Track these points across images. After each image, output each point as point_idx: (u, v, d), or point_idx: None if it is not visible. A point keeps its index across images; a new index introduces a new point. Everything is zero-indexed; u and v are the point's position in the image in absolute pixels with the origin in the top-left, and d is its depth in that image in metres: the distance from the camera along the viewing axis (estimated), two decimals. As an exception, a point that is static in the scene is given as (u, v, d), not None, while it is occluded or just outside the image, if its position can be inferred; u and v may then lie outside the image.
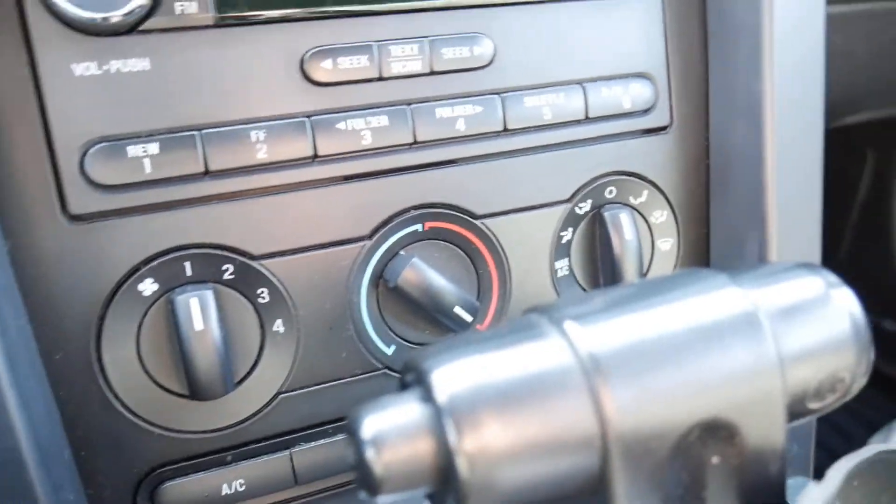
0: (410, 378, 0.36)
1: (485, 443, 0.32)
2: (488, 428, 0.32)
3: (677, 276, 0.40)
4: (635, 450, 0.34)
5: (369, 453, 0.32)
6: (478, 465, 0.32)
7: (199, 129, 0.55)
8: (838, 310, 0.39)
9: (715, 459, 0.36)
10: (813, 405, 0.39)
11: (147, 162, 0.53)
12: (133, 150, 0.53)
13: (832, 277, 0.41)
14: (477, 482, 0.32)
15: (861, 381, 0.40)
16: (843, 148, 1.48)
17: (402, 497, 0.34)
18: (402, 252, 0.63)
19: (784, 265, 0.42)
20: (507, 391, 0.33)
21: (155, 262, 0.55)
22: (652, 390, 0.34)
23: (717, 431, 0.36)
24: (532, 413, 0.33)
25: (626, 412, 0.34)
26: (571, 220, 0.69)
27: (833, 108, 0.79)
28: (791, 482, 0.71)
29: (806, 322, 0.38)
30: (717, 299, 0.37)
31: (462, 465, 0.32)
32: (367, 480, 0.33)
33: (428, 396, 0.33)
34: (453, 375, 0.33)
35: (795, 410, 0.38)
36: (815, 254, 0.71)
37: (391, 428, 0.33)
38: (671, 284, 0.39)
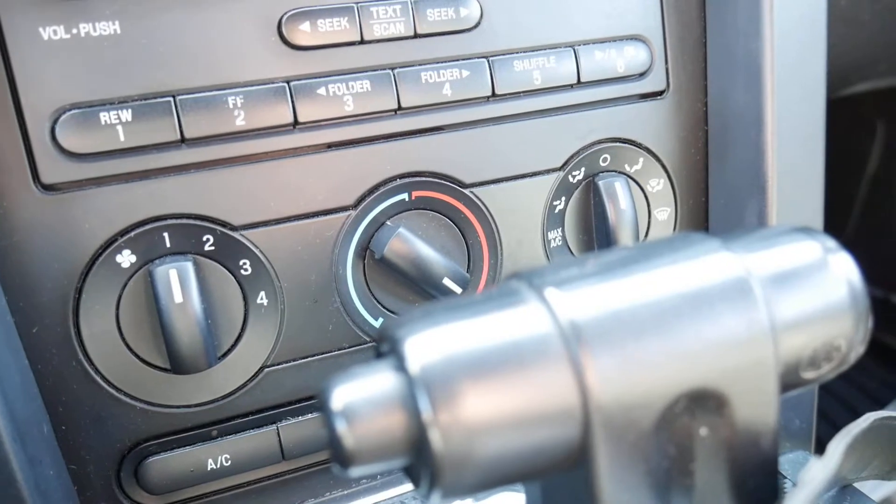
0: (385, 347, 0.34)
1: (459, 414, 0.31)
2: (463, 399, 0.31)
3: (667, 240, 0.38)
4: (618, 421, 0.33)
5: (340, 425, 0.31)
6: (452, 438, 0.31)
7: (174, 95, 0.53)
8: (835, 275, 0.38)
9: (703, 431, 0.35)
10: (807, 374, 0.37)
11: (120, 129, 0.52)
12: (106, 117, 0.51)
13: (830, 242, 0.39)
14: (452, 455, 0.31)
15: (858, 350, 0.39)
16: (851, 119, 1.45)
17: (375, 469, 0.32)
18: (388, 222, 0.61)
19: (780, 229, 0.40)
20: (483, 360, 0.32)
21: (132, 234, 0.54)
22: (636, 359, 0.33)
23: (705, 402, 0.34)
24: (509, 383, 0.32)
25: (609, 382, 0.32)
26: (564, 188, 0.67)
27: (838, 76, 0.76)
28: (791, 456, 0.70)
29: (801, 288, 0.37)
30: (707, 264, 0.36)
31: (436, 438, 0.31)
32: (338, 453, 0.31)
33: (401, 366, 0.32)
34: (427, 344, 0.32)
35: (789, 380, 0.37)
36: (818, 222, 0.69)
37: (362, 399, 0.31)
38: (660, 249, 0.37)
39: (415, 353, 0.32)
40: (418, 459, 0.32)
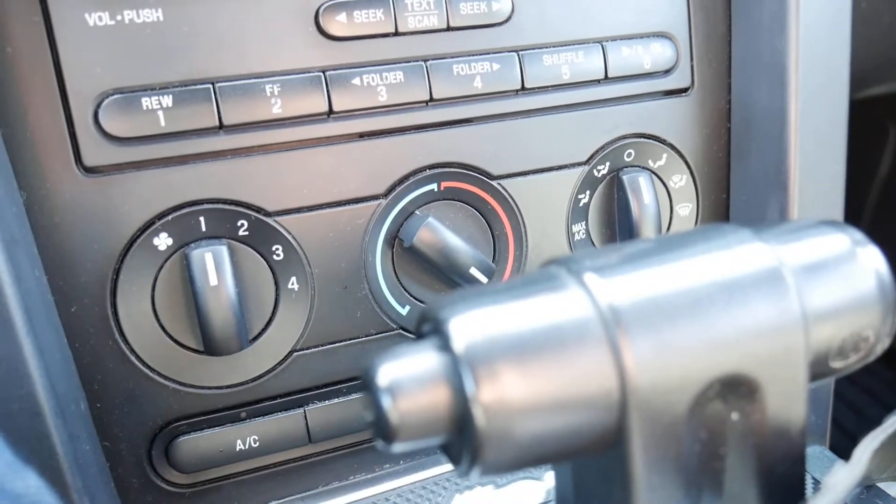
0: (427, 328, 0.35)
1: (502, 393, 0.32)
2: (506, 378, 0.32)
3: (699, 230, 0.39)
4: (654, 404, 0.34)
5: (385, 401, 0.32)
6: (494, 416, 0.32)
7: (214, 83, 0.54)
8: (864, 267, 0.38)
9: (735, 416, 0.36)
10: (836, 364, 0.38)
11: (161, 115, 0.53)
12: (147, 103, 0.53)
13: (858, 235, 0.40)
14: (493, 432, 0.32)
15: (885, 342, 0.39)
16: (864, 122, 1.45)
17: (417, 446, 0.33)
18: (417, 212, 0.62)
19: (809, 222, 0.41)
20: (525, 342, 0.33)
21: (169, 217, 0.55)
22: (672, 344, 0.34)
23: (737, 387, 0.35)
24: (550, 364, 0.33)
25: (646, 366, 0.33)
26: (589, 182, 0.68)
27: (856, 77, 0.77)
28: (808, 450, 0.71)
29: (831, 279, 0.38)
30: (741, 253, 0.37)
31: (479, 415, 0.32)
32: (382, 429, 0.32)
33: (445, 345, 0.33)
34: (471, 324, 0.33)
35: (818, 369, 0.38)
36: (838, 218, 0.70)
37: (408, 376, 0.32)
38: (693, 238, 0.38)
39: (460, 333, 0.33)
40: (459, 437, 0.33)
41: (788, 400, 0.36)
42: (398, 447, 0.33)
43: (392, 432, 0.32)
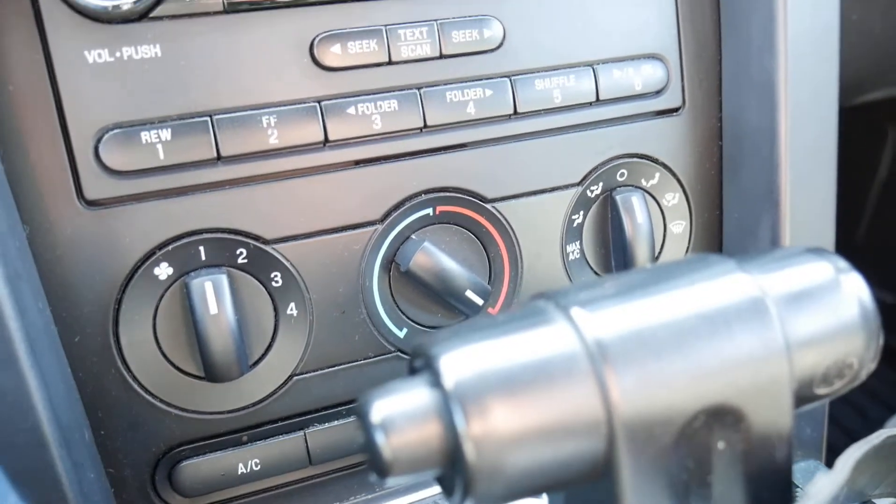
0: (419, 363, 0.36)
1: (492, 427, 0.33)
2: (495, 413, 0.33)
3: (685, 261, 0.40)
4: (641, 435, 0.35)
5: (378, 437, 0.33)
6: (485, 450, 0.33)
7: (211, 115, 0.55)
8: (847, 295, 0.39)
9: (721, 445, 0.36)
10: (821, 391, 0.39)
11: (160, 148, 0.54)
12: (146, 137, 0.54)
13: (841, 263, 0.41)
14: (484, 466, 0.33)
15: (870, 367, 0.40)
16: (862, 125, 1.46)
17: (409, 479, 0.34)
18: (413, 236, 0.63)
19: (793, 250, 0.42)
20: (514, 377, 0.34)
21: (170, 247, 0.56)
22: (657, 376, 0.35)
23: (723, 417, 0.36)
24: (539, 398, 0.34)
25: (632, 398, 0.34)
26: (583, 203, 0.69)
27: (850, 86, 0.77)
28: (802, 465, 0.71)
29: (814, 307, 0.38)
30: (725, 285, 0.37)
31: (469, 450, 0.33)
32: (376, 463, 0.33)
33: (436, 382, 0.34)
34: (461, 361, 0.34)
35: (803, 396, 0.38)
36: (829, 236, 0.70)
37: (400, 412, 0.33)
38: (678, 270, 0.39)
39: (450, 370, 0.34)
40: (452, 470, 0.34)
41: (774, 427, 0.37)
42: (392, 481, 0.34)
43: (386, 467, 0.33)
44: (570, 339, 0.35)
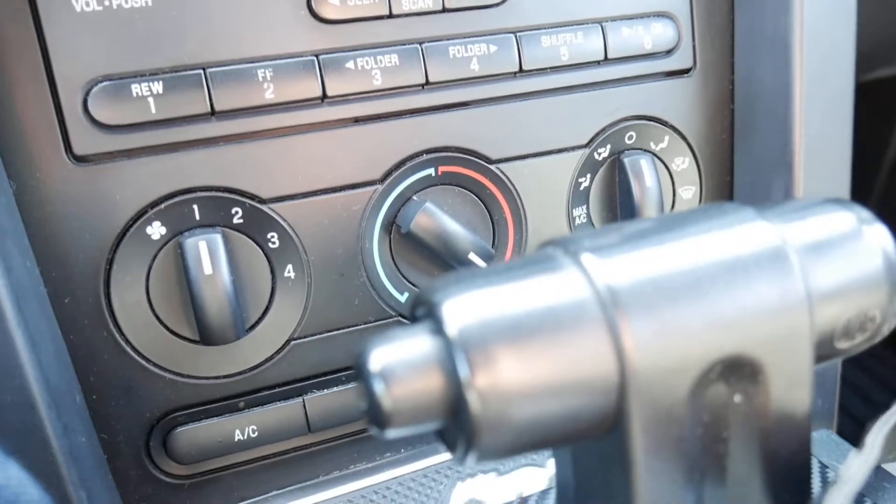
0: (421, 311, 0.34)
1: (497, 377, 0.31)
2: (501, 362, 0.31)
3: (701, 209, 0.38)
4: (654, 387, 0.33)
5: (378, 387, 0.31)
6: (490, 401, 0.31)
7: (205, 68, 0.53)
8: (871, 246, 0.37)
9: (737, 398, 0.35)
10: (841, 345, 0.37)
11: (152, 101, 0.52)
12: (137, 89, 0.52)
13: (865, 213, 0.39)
14: (489, 418, 0.31)
15: (893, 322, 0.38)
16: (872, 104, 1.43)
17: (410, 432, 0.33)
18: (414, 197, 0.61)
19: (814, 200, 0.40)
20: (520, 324, 0.32)
21: (162, 206, 0.54)
22: (672, 325, 0.33)
23: (740, 369, 0.34)
24: (547, 347, 0.32)
25: (645, 347, 0.32)
26: (590, 165, 0.66)
27: (863, 58, 0.75)
28: (815, 435, 0.70)
29: (836, 257, 0.37)
30: (744, 232, 0.35)
31: (473, 401, 0.31)
32: (375, 415, 0.32)
33: (439, 329, 0.32)
34: (465, 308, 0.32)
35: (823, 350, 0.37)
36: (845, 197, 0.68)
37: (400, 361, 0.32)
38: (695, 218, 0.37)
39: (453, 317, 0.32)
40: (454, 423, 0.32)
41: (793, 382, 0.35)
42: (392, 433, 0.32)
43: (385, 418, 0.31)
44: (580, 286, 0.33)
